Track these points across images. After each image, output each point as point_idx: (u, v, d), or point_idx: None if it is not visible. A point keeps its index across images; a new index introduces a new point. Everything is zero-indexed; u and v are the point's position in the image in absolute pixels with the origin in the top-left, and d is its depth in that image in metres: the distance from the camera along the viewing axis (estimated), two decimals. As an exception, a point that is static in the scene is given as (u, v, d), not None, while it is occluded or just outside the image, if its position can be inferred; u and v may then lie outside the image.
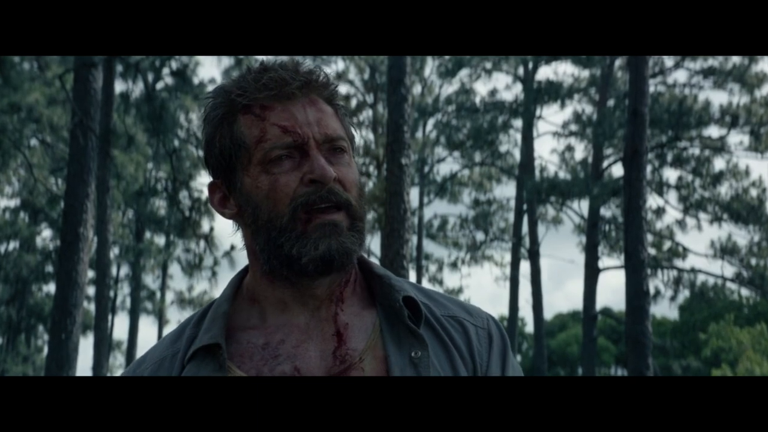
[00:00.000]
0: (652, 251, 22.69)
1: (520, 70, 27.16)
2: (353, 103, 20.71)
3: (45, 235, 28.38)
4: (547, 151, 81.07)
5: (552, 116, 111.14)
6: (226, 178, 1.25)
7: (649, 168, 20.40)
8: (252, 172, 1.21)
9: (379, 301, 1.27)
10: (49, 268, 26.88)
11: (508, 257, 27.74)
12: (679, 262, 23.57)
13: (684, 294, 23.36)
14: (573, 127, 26.33)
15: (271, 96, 1.21)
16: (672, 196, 24.15)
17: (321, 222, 1.18)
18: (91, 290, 20.68)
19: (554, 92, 24.73)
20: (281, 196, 1.19)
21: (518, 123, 27.13)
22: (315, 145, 1.20)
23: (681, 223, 23.84)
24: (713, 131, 41.92)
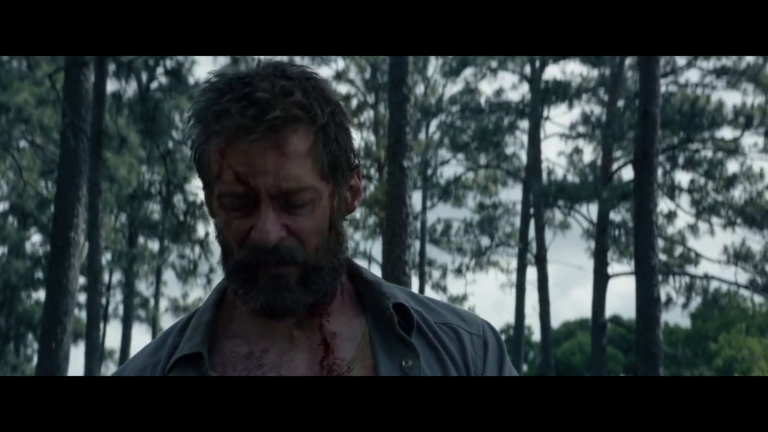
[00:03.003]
0: (663, 257, 22.67)
1: (527, 69, 27.17)
2: (353, 103, 20.73)
3: (35, 240, 28.41)
4: (554, 154, 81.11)
5: (559, 117, 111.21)
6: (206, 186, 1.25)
7: (660, 171, 20.40)
8: (215, 201, 1.20)
9: (369, 309, 1.27)
10: (39, 275, 26.88)
11: (514, 263, 27.74)
12: (691, 269, 23.57)
13: (696, 301, 23.36)
14: (581, 129, 26.33)
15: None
16: (684, 199, 24.17)
17: (266, 274, 1.17)
18: (82, 297, 20.69)
19: (562, 92, 24.73)
20: (232, 239, 1.18)
21: (525, 124, 27.16)
22: (267, 198, 1.14)
23: (693, 228, 23.83)
24: (726, 133, 41.99)
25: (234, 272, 1.19)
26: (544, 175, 26.24)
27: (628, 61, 24.33)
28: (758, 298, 24.90)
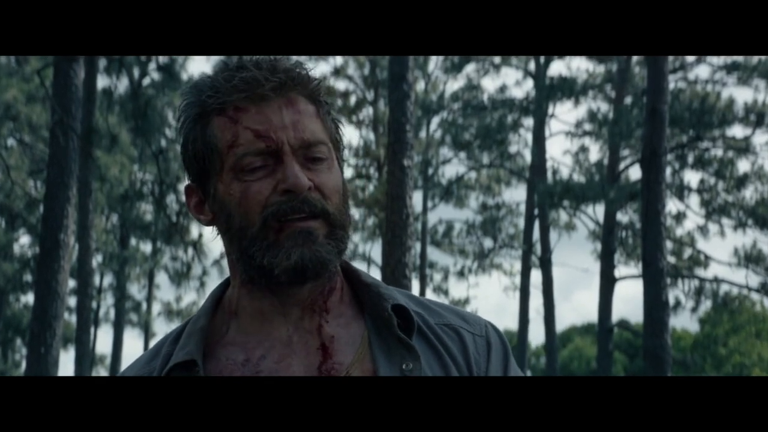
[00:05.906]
0: (671, 259, 22.69)
1: (531, 65, 27.17)
2: (352, 100, 20.74)
3: (23, 241, 28.38)
4: (559, 152, 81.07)
5: (565, 114, 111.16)
6: (201, 182, 1.26)
7: (668, 170, 20.40)
8: (225, 178, 1.22)
9: (368, 311, 1.28)
10: (28, 277, 26.87)
11: (518, 266, 27.73)
12: (700, 271, 23.56)
13: (706, 305, 23.35)
14: (587, 127, 26.33)
15: (244, 97, 1.21)
16: (693, 200, 24.22)
17: (294, 230, 1.19)
18: (72, 301, 20.70)
19: (567, 89, 24.73)
20: (253, 204, 1.20)
21: (529, 122, 27.14)
22: (290, 151, 1.20)
23: (703, 230, 23.84)
24: (737, 131, 41.92)
25: (258, 238, 1.20)
26: (549, 175, 26.21)
27: (636, 56, 24.35)
28: (769, 302, 24.92)
